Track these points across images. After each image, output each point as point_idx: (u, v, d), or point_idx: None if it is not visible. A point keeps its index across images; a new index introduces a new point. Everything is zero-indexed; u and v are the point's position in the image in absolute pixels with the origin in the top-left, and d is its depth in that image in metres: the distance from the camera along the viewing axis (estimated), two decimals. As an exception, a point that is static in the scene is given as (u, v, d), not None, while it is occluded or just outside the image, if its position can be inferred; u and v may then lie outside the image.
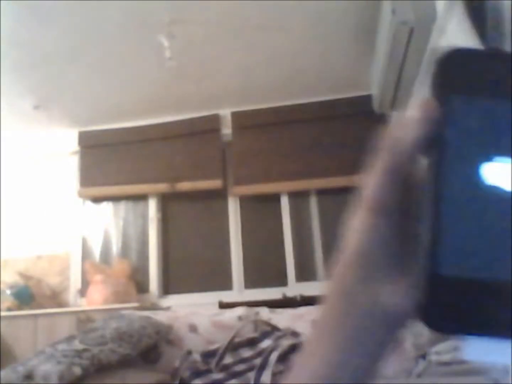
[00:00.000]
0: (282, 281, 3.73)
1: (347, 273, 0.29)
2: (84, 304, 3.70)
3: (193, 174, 3.92)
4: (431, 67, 0.28)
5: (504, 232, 0.25)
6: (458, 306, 0.25)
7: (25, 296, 3.60)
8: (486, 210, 0.26)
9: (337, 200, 3.68)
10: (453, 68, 0.28)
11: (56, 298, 3.88)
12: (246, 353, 1.37)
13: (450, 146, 0.26)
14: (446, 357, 1.28)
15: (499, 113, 0.27)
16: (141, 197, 4.08)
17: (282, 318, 1.79)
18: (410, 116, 0.27)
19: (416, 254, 0.26)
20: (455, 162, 0.26)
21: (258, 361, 1.26)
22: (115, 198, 4.09)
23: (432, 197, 0.26)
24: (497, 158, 0.26)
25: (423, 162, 0.27)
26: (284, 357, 1.26)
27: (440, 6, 2.22)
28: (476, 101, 0.27)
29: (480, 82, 0.27)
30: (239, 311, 1.85)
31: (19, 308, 3.52)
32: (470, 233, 0.25)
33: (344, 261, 0.29)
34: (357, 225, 0.29)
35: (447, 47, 0.28)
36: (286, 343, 1.35)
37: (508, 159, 0.26)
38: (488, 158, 0.26)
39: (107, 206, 4.13)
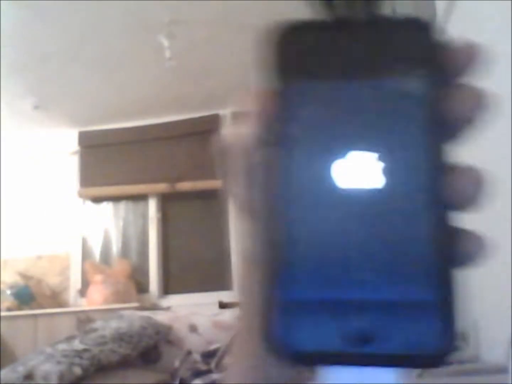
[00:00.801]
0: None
1: (249, 276, 0.27)
2: (84, 304, 3.70)
3: (193, 174, 3.92)
4: (260, 47, 0.23)
5: (347, 239, 0.22)
6: (303, 332, 0.21)
7: (25, 296, 3.60)
8: (327, 215, 0.22)
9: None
10: (287, 47, 0.23)
11: (56, 298, 3.88)
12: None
13: (288, 141, 0.22)
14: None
15: (344, 97, 0.22)
16: (141, 197, 4.08)
17: (282, 318, 1.78)
18: (244, 112, 0.24)
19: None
20: (295, 159, 0.22)
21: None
22: (115, 198, 4.09)
23: (268, 200, 0.22)
24: (344, 153, 0.22)
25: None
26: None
27: (440, 6, 2.22)
28: (316, 86, 0.22)
29: (321, 61, 0.23)
30: (239, 311, 1.85)
31: (19, 308, 3.52)
32: (310, 245, 0.22)
33: (243, 266, 0.27)
34: (241, 231, 0.26)
35: (276, 23, 0.24)
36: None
37: (358, 154, 0.22)
38: (334, 153, 0.22)
39: (107, 206, 4.13)
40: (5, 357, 3.10)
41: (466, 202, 0.22)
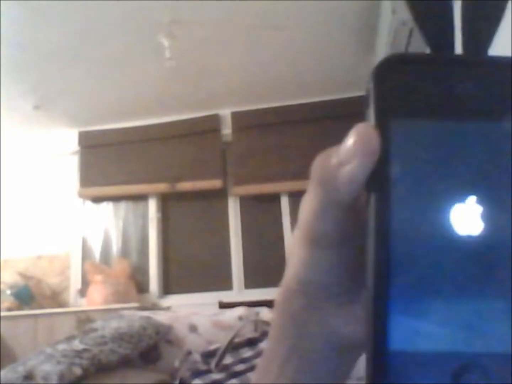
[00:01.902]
0: (282, 281, 3.72)
1: (292, 300, 0.27)
2: (84, 304, 3.70)
3: (193, 174, 3.92)
4: (367, 82, 0.23)
5: (463, 289, 0.21)
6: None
7: (25, 296, 3.60)
8: (441, 261, 0.21)
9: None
10: (394, 82, 0.22)
11: (56, 298, 3.88)
12: (246, 353, 1.37)
13: (396, 185, 0.21)
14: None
15: (451, 138, 0.22)
16: (141, 197, 4.08)
17: (282, 318, 1.78)
18: (347, 146, 0.23)
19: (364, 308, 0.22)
20: (403, 206, 0.21)
21: (258, 361, 1.26)
22: (115, 198, 4.09)
23: (374, 250, 0.21)
24: (452, 196, 0.21)
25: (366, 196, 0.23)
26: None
27: None
28: (428, 124, 0.22)
29: (428, 98, 0.22)
30: (239, 311, 1.85)
31: (19, 308, 3.52)
32: (424, 294, 0.21)
33: (287, 286, 0.27)
34: (296, 254, 0.26)
35: (385, 55, 0.23)
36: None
37: (466, 197, 0.21)
38: (447, 201, 0.21)
39: (107, 206, 4.13)
40: (5, 357, 3.10)
41: None
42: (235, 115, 3.99)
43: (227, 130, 4.00)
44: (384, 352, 0.21)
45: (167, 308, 3.31)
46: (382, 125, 0.22)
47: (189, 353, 1.39)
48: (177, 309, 2.86)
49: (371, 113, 0.22)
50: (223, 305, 3.20)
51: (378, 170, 0.22)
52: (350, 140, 0.23)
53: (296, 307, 0.27)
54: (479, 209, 0.21)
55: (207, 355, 1.35)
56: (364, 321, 0.22)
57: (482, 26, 0.23)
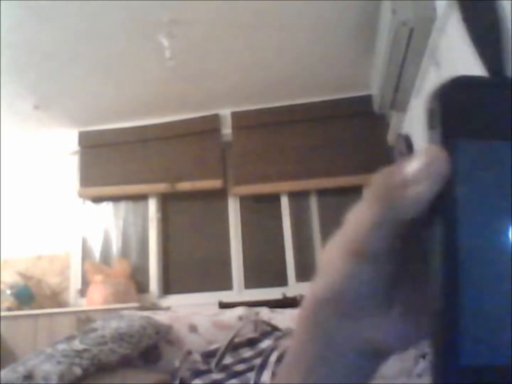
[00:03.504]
0: (282, 281, 3.73)
1: (323, 308, 0.27)
2: (84, 304, 3.70)
3: (193, 174, 3.93)
4: (429, 103, 0.23)
5: None
6: None
7: (25, 296, 3.60)
8: (508, 280, 0.22)
9: (337, 200, 3.68)
10: (460, 104, 0.23)
11: (56, 298, 3.88)
12: (246, 353, 1.37)
13: (462, 205, 0.22)
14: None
15: None
16: (141, 197, 4.08)
17: (282, 318, 1.78)
18: (416, 166, 0.23)
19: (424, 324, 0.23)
20: (470, 225, 0.22)
21: (258, 361, 1.26)
22: (115, 198, 4.09)
23: (444, 268, 0.22)
24: None
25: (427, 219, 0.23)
26: (284, 357, 1.26)
27: (440, 6, 2.22)
28: (490, 146, 0.22)
29: (493, 120, 0.22)
30: (239, 311, 1.85)
31: (19, 308, 3.52)
32: (494, 313, 0.21)
33: (319, 295, 0.27)
34: (334, 264, 0.26)
35: (449, 78, 0.23)
36: (286, 343, 1.35)
37: None
38: (506, 216, 0.22)
39: (107, 206, 4.13)
40: (5, 357, 3.10)
41: None
42: (235, 115, 3.99)
43: (227, 130, 4.00)
44: (455, 368, 0.21)
45: (167, 308, 3.31)
46: (448, 147, 0.22)
47: (189, 353, 1.39)
48: (177, 309, 2.86)
49: (437, 134, 0.23)
50: (223, 305, 3.20)
51: (445, 191, 0.22)
52: (419, 161, 0.23)
53: (326, 316, 0.27)
54: None
55: (207, 355, 1.35)
56: (430, 338, 0.23)
57: None
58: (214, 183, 3.89)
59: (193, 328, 1.70)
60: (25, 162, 4.24)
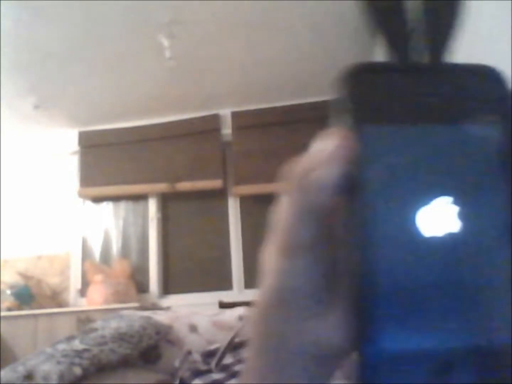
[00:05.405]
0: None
1: (269, 313, 0.26)
2: (84, 304, 3.70)
3: (193, 174, 3.93)
4: (336, 87, 0.23)
5: (432, 287, 0.22)
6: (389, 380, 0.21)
7: (25, 296, 3.60)
8: (419, 266, 0.22)
9: (337, 200, 3.69)
10: (366, 89, 0.23)
11: (56, 298, 3.88)
12: (246, 353, 1.37)
13: (369, 189, 0.22)
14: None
15: (425, 143, 0.23)
16: (141, 197, 4.08)
17: (282, 318, 1.78)
18: (323, 150, 0.23)
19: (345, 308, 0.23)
20: (377, 208, 0.22)
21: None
22: (115, 198, 4.09)
23: (353, 252, 0.22)
24: (426, 198, 0.22)
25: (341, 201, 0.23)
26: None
27: (440, 6, 2.22)
28: (397, 130, 0.23)
29: (400, 105, 0.23)
30: (239, 311, 1.85)
31: (19, 308, 3.52)
32: (404, 296, 0.22)
33: (263, 299, 0.27)
34: (272, 265, 0.26)
35: (351, 64, 0.23)
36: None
37: (438, 196, 0.22)
38: (416, 203, 0.22)
39: (107, 206, 4.13)
40: (5, 357, 3.10)
41: None
42: (235, 115, 3.99)
43: (227, 130, 4.00)
44: (374, 353, 0.21)
45: (167, 308, 3.31)
46: (355, 131, 0.22)
47: (189, 353, 1.39)
48: (177, 309, 2.86)
49: (344, 119, 0.23)
50: (223, 305, 3.20)
51: (353, 175, 0.22)
52: (320, 145, 0.23)
53: (273, 321, 0.26)
54: (453, 208, 0.22)
55: (207, 355, 1.35)
56: (349, 325, 0.22)
57: (438, 35, 0.25)
58: (214, 183, 3.90)
59: (193, 328, 1.70)
60: (25, 162, 4.24)
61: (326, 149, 0.23)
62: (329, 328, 0.25)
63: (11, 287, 3.63)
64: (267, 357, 0.27)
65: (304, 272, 0.25)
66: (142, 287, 3.84)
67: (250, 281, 3.81)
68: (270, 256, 0.26)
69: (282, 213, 0.25)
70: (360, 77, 0.23)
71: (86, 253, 4.01)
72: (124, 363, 1.32)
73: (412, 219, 0.22)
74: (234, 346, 1.39)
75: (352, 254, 0.22)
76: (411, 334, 0.21)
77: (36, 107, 3.72)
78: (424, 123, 0.23)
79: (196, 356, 1.36)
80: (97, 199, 4.12)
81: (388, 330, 0.21)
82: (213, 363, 1.29)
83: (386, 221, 0.22)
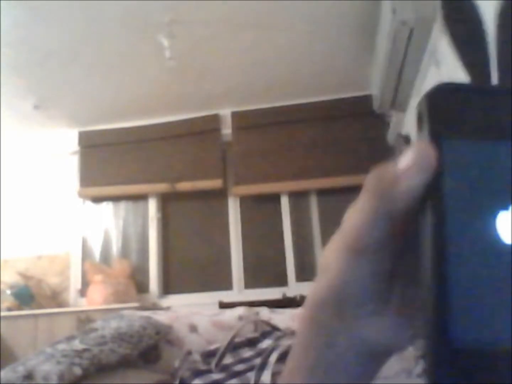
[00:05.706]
0: (282, 281, 3.73)
1: (323, 309, 0.27)
2: (84, 304, 3.70)
3: (193, 174, 3.93)
4: (420, 105, 0.26)
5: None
6: (473, 379, 0.22)
7: (25, 296, 3.60)
8: (498, 269, 0.23)
9: (337, 200, 3.68)
10: (446, 107, 0.25)
11: (56, 298, 3.88)
12: (246, 353, 1.37)
13: (450, 197, 0.24)
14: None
15: (500, 157, 0.24)
16: (141, 197, 4.08)
17: (282, 318, 1.78)
18: (406, 161, 0.25)
19: (417, 312, 0.24)
20: (457, 215, 0.23)
21: (258, 361, 1.26)
22: (115, 198, 4.09)
23: (433, 255, 0.23)
24: (504, 210, 0.24)
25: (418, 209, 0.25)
26: (284, 357, 1.26)
27: (440, 6, 2.22)
28: (474, 144, 0.24)
29: (476, 122, 0.25)
30: (239, 311, 1.85)
31: (19, 308, 3.52)
32: (483, 297, 0.23)
33: (320, 295, 0.27)
34: (335, 263, 0.27)
35: (436, 84, 0.25)
36: (286, 343, 1.35)
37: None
38: (493, 210, 0.24)
39: (107, 206, 4.13)
40: (5, 357, 3.10)
41: None
42: (235, 115, 3.99)
43: (227, 130, 4.00)
44: (447, 350, 0.22)
45: (167, 308, 3.31)
46: (435, 145, 0.25)
47: (189, 353, 1.39)
48: (177, 309, 2.86)
49: (425, 133, 0.25)
50: (223, 305, 3.20)
51: (433, 185, 0.24)
52: (409, 155, 0.25)
53: (326, 317, 0.27)
54: None
55: (207, 355, 1.35)
56: (402, 325, 0.24)
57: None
58: (214, 183, 3.89)
59: (193, 328, 1.70)
60: (25, 162, 4.24)
61: (411, 159, 0.25)
62: (381, 327, 0.26)
63: (11, 287, 3.62)
64: (316, 354, 0.27)
65: (368, 271, 0.26)
66: (142, 287, 3.84)
67: (250, 281, 3.81)
68: (334, 254, 0.27)
69: (357, 214, 0.26)
70: (440, 96, 0.25)
71: (86, 253, 4.01)
72: (124, 363, 1.32)
73: (488, 228, 0.23)
74: (234, 346, 1.39)
75: (432, 256, 0.23)
76: (483, 337, 0.22)
77: (36, 107, 3.72)
78: (498, 139, 0.25)
79: (196, 356, 1.36)
80: (97, 199, 4.12)
81: (462, 332, 0.22)
82: (213, 363, 1.29)
83: (463, 228, 0.23)
